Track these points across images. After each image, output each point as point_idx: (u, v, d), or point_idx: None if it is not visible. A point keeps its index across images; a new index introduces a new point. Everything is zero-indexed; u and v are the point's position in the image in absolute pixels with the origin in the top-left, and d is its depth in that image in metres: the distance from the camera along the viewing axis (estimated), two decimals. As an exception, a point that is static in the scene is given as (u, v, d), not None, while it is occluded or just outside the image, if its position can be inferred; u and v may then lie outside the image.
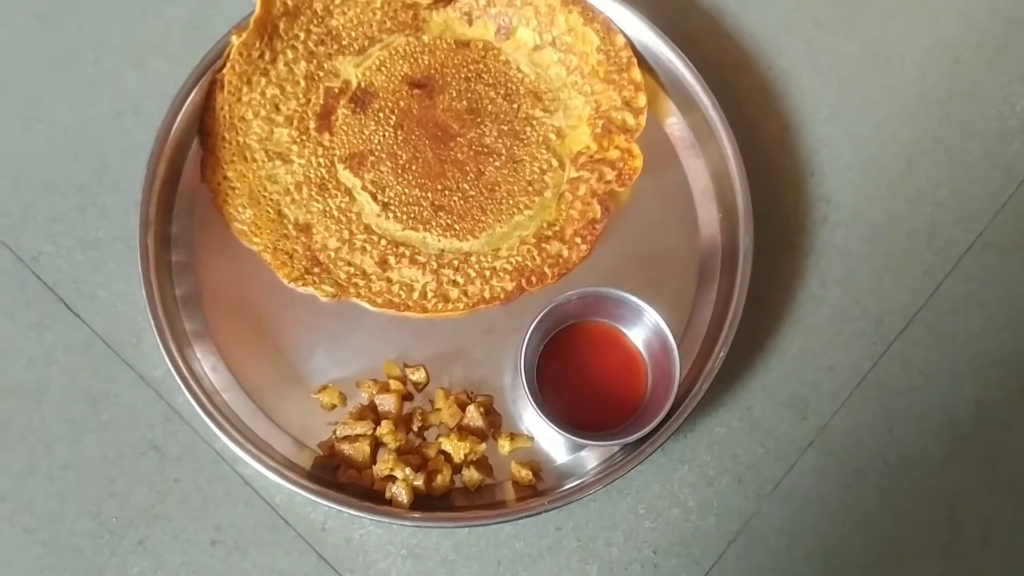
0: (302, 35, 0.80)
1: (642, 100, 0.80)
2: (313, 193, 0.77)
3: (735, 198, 0.76)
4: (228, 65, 0.77)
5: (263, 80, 0.78)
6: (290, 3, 0.79)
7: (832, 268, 0.79)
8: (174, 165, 0.76)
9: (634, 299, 0.71)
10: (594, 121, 0.80)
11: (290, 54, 0.79)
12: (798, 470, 0.74)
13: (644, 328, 0.73)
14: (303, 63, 0.79)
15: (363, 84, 0.80)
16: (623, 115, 0.80)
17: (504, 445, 0.72)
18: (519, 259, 0.76)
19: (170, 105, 0.75)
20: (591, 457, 0.73)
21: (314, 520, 0.71)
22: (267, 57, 0.78)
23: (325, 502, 0.67)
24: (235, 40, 0.77)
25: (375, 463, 0.70)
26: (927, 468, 0.75)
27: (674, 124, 0.82)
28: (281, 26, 0.79)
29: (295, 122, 0.79)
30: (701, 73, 0.79)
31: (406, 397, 0.73)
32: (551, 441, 0.73)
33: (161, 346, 0.70)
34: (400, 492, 0.68)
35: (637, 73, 0.80)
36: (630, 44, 0.81)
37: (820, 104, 0.84)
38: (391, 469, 0.68)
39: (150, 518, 0.71)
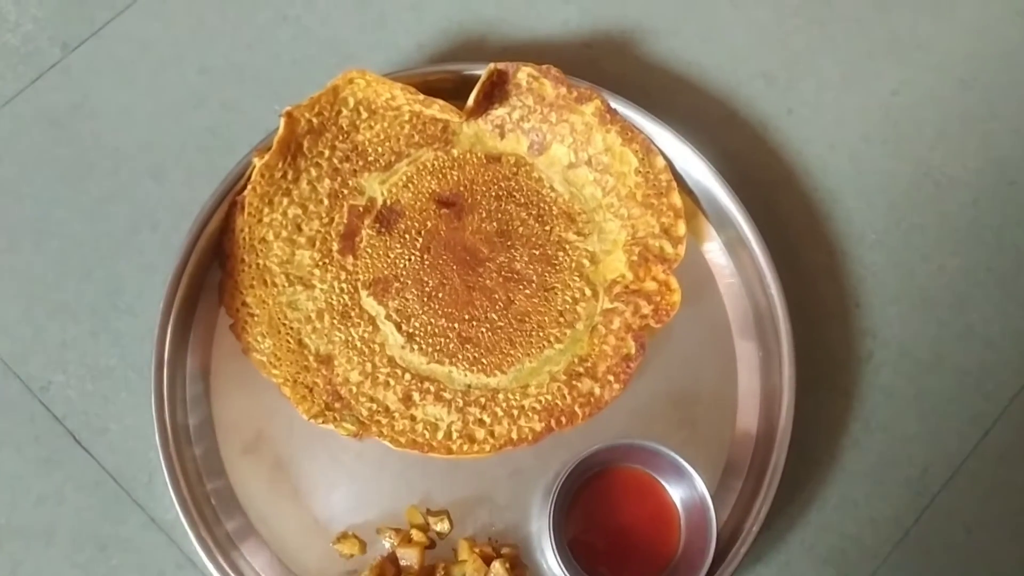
0: (327, 152, 0.76)
1: (681, 228, 0.76)
2: (335, 321, 0.74)
3: (777, 335, 0.73)
4: (249, 187, 0.74)
5: (285, 200, 0.75)
6: (315, 120, 0.75)
7: (876, 411, 0.75)
8: (193, 290, 0.73)
9: (675, 456, 0.68)
10: (630, 248, 0.76)
11: (314, 172, 0.76)
12: (836, 631, 0.71)
13: (681, 483, 0.69)
14: (327, 180, 0.76)
15: (389, 202, 0.77)
16: (661, 243, 0.76)
17: (530, 602, 0.69)
18: (549, 397, 0.73)
19: (191, 227, 0.72)
20: (621, 615, 0.70)
21: None
22: (290, 176, 0.75)
23: (343, 666, 0.64)
24: (257, 162, 0.73)
25: (395, 622, 0.67)
26: (970, 629, 0.72)
27: (713, 250, 0.78)
28: (305, 144, 0.75)
29: (317, 243, 0.75)
30: (742, 193, 0.75)
31: (428, 546, 0.70)
32: (579, 595, 0.70)
33: (172, 493, 0.67)
34: (422, 659, 0.65)
35: (677, 199, 0.76)
36: (670, 166, 0.77)
37: (866, 228, 0.80)
38: (412, 634, 0.66)
39: (161, 673, 0.68)
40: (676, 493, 0.71)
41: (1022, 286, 0.79)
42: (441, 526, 0.70)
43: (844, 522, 0.73)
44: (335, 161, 0.76)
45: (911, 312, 0.78)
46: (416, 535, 0.69)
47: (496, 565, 0.68)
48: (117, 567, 0.70)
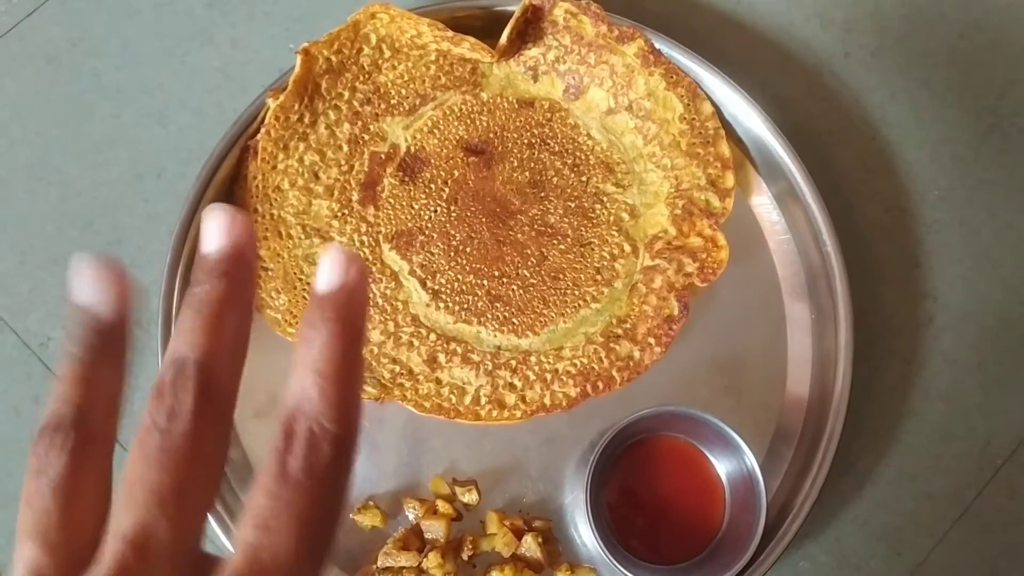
0: (346, 94, 0.70)
1: (730, 180, 0.70)
2: (355, 277, 0.68)
3: (833, 296, 0.68)
4: (263, 131, 0.68)
5: (301, 145, 0.69)
6: (334, 59, 0.69)
7: (936, 379, 0.70)
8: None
9: (721, 425, 0.62)
10: (673, 201, 0.70)
11: (332, 115, 0.70)
12: (890, 613, 0.66)
13: (727, 455, 0.64)
14: (347, 125, 0.70)
15: (413, 149, 0.71)
16: (707, 196, 0.70)
17: (563, 579, 0.64)
18: (584, 361, 0.68)
19: (199, 174, 0.67)
20: (660, 593, 0.65)
21: (350, 657, 0.64)
22: (306, 120, 0.69)
23: (364, 646, 0.60)
24: (271, 103, 0.68)
25: (420, 599, 0.62)
26: (1033, 612, 0.67)
27: (763, 204, 0.72)
28: (323, 84, 0.69)
29: (336, 193, 0.70)
30: (796, 143, 0.70)
31: (455, 518, 0.65)
32: (615, 572, 0.66)
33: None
34: (449, 638, 0.61)
35: (725, 148, 0.70)
36: (718, 112, 0.71)
37: (928, 183, 0.74)
38: (439, 612, 0.61)
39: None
40: (721, 465, 0.66)
41: (1095, 247, 0.73)
42: (469, 497, 0.66)
43: (900, 497, 0.68)
44: (355, 104, 0.71)
45: (975, 274, 0.72)
46: (442, 506, 0.65)
47: (528, 539, 0.64)
48: (122, 537, 0.65)
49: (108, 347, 0.29)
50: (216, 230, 0.29)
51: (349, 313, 0.28)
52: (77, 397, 0.27)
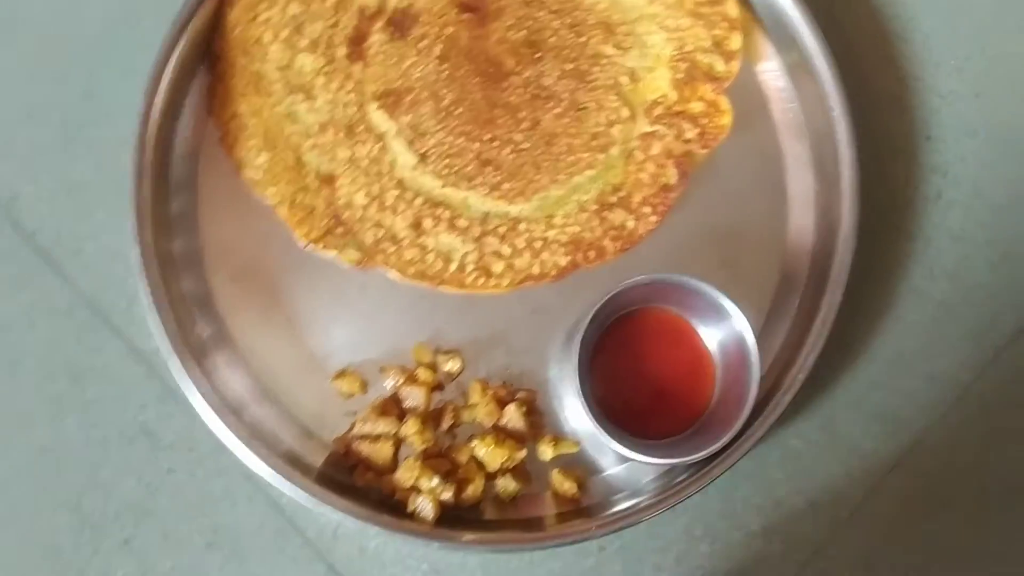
0: (331, -59, 0.66)
1: (736, 41, 0.66)
2: (340, 137, 0.65)
3: (838, 166, 0.64)
4: (241, -24, 0.64)
5: (283, -6, 0.66)
6: (317, -99, 0.65)
7: (942, 256, 0.67)
8: (176, 95, 0.65)
9: (713, 292, 0.60)
10: (675, 64, 0.67)
11: (316, -36, 0.66)
12: (880, 494, 0.65)
13: (719, 325, 0.62)
14: (331, -25, 0.66)
15: (403, 4, 0.67)
16: (711, 59, 0.66)
17: (546, 451, 0.62)
18: (576, 229, 0.65)
19: (174, 21, 0.63)
20: (645, 469, 0.64)
21: (324, 525, 0.63)
22: (288, -33, 0.65)
23: (337, 511, 0.58)
24: (249, -54, 0.64)
25: (397, 467, 0.61)
26: (1028, 497, 0.66)
27: (769, 71, 0.68)
28: (306, -71, 0.65)
29: (321, 48, 0.66)
30: (806, 3, 0.65)
31: (436, 388, 0.63)
32: (598, 447, 0.64)
33: (155, 321, 0.60)
34: (425, 506, 0.59)
35: (733, 7, 0.66)
36: (725, -30, 0.67)
37: (944, 54, 0.70)
38: (416, 479, 0.59)
39: (138, 514, 0.63)
40: (712, 337, 0.63)
41: (1118, 125, 0.69)
42: (452, 365, 0.63)
43: (897, 377, 0.66)
44: (340, -48, 0.66)
45: (988, 148, 0.69)
46: (422, 374, 0.63)
47: (511, 408, 0.62)
48: (93, 400, 0.63)
49: None
50: None
51: None
52: None
